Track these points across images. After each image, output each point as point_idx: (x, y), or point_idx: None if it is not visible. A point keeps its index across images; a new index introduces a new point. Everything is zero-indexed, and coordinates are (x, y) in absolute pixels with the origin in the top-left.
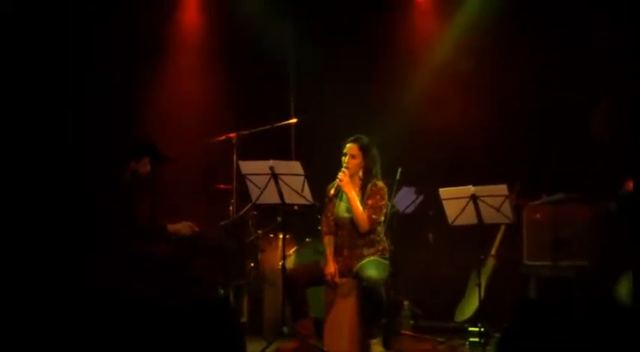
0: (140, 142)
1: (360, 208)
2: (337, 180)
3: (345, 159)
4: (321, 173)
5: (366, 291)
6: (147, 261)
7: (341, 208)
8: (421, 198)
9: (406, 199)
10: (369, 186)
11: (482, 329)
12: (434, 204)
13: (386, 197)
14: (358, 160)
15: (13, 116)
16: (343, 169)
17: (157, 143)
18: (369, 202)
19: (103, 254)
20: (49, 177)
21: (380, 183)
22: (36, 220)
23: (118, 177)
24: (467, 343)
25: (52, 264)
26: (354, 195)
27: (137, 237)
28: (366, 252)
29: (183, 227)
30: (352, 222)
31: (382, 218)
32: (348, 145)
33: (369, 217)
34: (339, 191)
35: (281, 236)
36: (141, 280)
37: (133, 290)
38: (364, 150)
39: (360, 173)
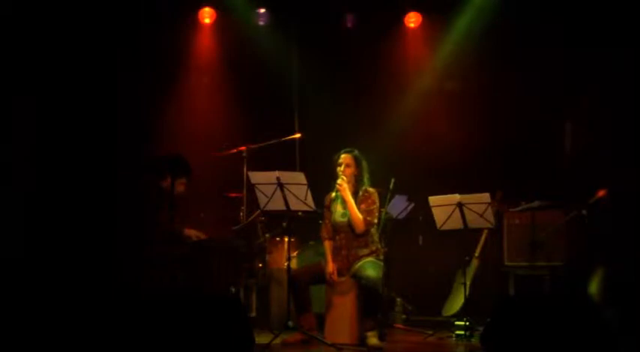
0: (180, 162)
1: (357, 211)
2: (337, 185)
3: (340, 168)
4: (323, 182)
5: (366, 289)
6: (165, 260)
7: (338, 214)
8: (412, 205)
9: (399, 206)
10: (361, 192)
11: (467, 323)
12: (424, 211)
13: (377, 200)
14: (352, 169)
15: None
16: (342, 176)
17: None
18: (363, 206)
19: (127, 253)
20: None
21: (370, 189)
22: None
23: (147, 188)
24: (453, 335)
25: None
26: (351, 200)
27: (158, 240)
28: (361, 252)
29: (194, 233)
30: (348, 226)
31: (375, 220)
32: (342, 156)
33: (364, 219)
34: (336, 197)
35: (286, 239)
36: (160, 277)
37: (153, 285)
38: (356, 159)
39: (353, 179)
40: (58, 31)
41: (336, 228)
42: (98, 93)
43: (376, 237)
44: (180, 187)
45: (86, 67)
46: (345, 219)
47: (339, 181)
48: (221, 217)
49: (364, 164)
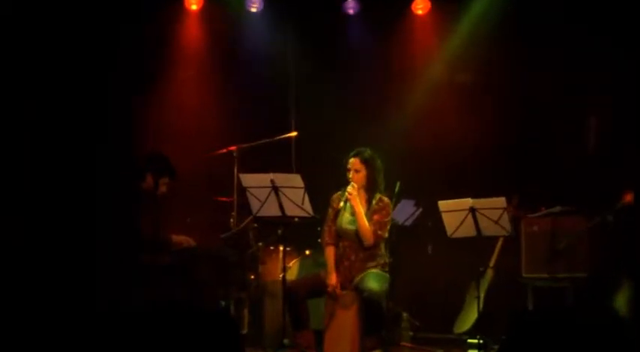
0: (161, 161)
1: (367, 223)
2: (346, 193)
3: (349, 174)
4: (322, 186)
5: (367, 303)
6: (148, 270)
7: (345, 220)
8: (420, 210)
9: (405, 212)
10: (375, 201)
11: (480, 341)
12: (433, 216)
13: (391, 213)
14: (362, 173)
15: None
16: (352, 183)
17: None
18: (375, 217)
19: (107, 263)
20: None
21: (386, 199)
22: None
23: (125, 191)
24: None
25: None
26: (361, 210)
27: (141, 248)
28: (367, 265)
29: (184, 239)
30: (355, 235)
31: (386, 234)
32: (350, 160)
33: (375, 232)
34: (346, 204)
35: (281, 248)
36: (142, 290)
37: (134, 299)
38: (366, 162)
39: (365, 185)
40: (27, 20)
41: (340, 234)
42: (73, 89)
43: (384, 251)
44: (162, 188)
45: (59, 59)
46: (352, 227)
47: (349, 189)
48: (209, 223)
49: (377, 165)
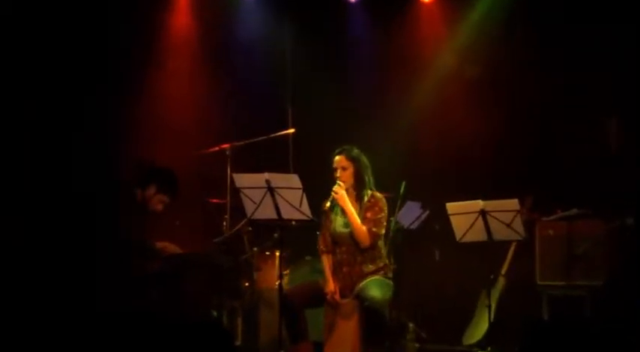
0: (169, 177)
1: (359, 222)
2: (332, 193)
3: (336, 173)
4: (321, 187)
5: (369, 313)
6: (135, 278)
7: (338, 223)
8: (427, 213)
9: (411, 214)
10: (367, 197)
11: None
12: (440, 219)
13: (385, 208)
14: (349, 171)
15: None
16: (339, 183)
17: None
18: (368, 215)
19: (89, 269)
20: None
21: (378, 194)
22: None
23: (119, 193)
24: None
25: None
26: (351, 209)
27: (128, 255)
28: (366, 269)
29: (169, 245)
30: (351, 237)
31: (383, 231)
32: (336, 158)
33: (369, 231)
34: (334, 205)
35: (278, 253)
36: (129, 298)
37: (120, 308)
38: (353, 159)
39: (353, 183)
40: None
41: (336, 240)
42: (56, 83)
43: (384, 252)
44: (158, 205)
45: (41, 51)
46: (347, 230)
47: (335, 188)
48: (200, 227)
49: (364, 161)
